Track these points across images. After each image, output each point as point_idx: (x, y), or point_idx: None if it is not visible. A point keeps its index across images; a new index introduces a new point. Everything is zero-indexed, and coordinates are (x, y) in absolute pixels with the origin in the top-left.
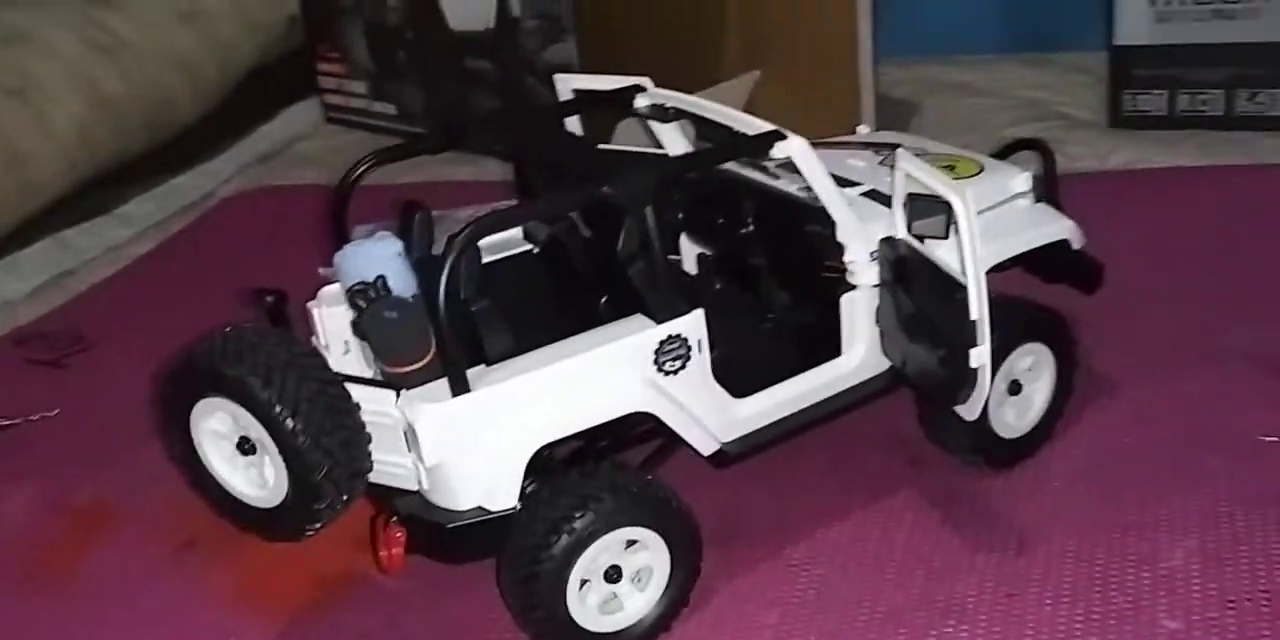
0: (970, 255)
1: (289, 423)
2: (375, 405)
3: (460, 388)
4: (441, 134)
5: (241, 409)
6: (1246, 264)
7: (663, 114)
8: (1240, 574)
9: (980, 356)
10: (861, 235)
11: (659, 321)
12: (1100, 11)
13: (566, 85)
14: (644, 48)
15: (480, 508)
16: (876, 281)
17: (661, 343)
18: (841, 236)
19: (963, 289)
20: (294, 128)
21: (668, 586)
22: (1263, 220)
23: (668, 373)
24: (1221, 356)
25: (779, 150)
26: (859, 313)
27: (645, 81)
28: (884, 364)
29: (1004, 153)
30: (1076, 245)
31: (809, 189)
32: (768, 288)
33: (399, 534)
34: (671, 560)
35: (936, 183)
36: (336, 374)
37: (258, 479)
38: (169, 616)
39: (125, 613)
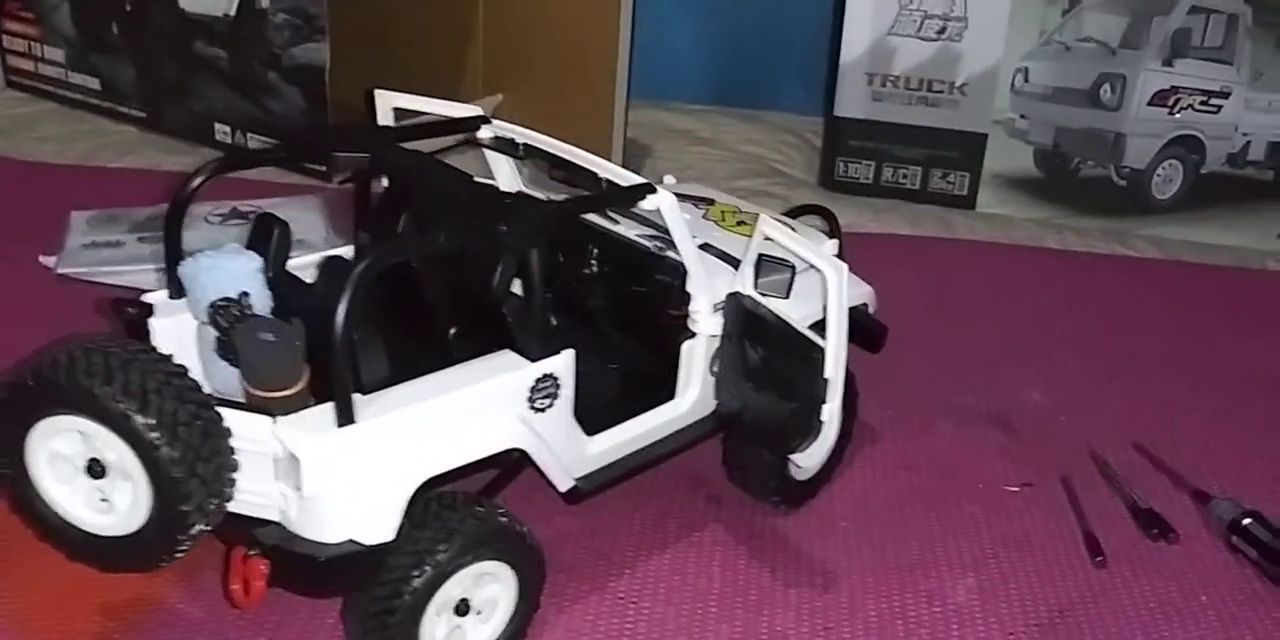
0: (835, 321)
1: (165, 450)
2: (247, 432)
3: (347, 418)
4: (297, 146)
5: (102, 430)
6: (969, 330)
7: (513, 149)
8: (1014, 608)
9: (831, 412)
10: (708, 287)
11: (533, 360)
12: (809, 79)
13: (387, 102)
14: (394, 56)
15: (351, 541)
16: (717, 332)
17: (537, 381)
18: (691, 287)
19: (818, 349)
20: None
21: (511, 619)
22: (969, 289)
23: (538, 410)
24: (958, 413)
25: (649, 202)
26: (696, 359)
27: (478, 109)
28: (709, 408)
29: (792, 214)
30: (872, 309)
31: (654, 237)
32: (605, 329)
33: (261, 567)
34: (519, 593)
35: (809, 253)
36: (209, 397)
37: (102, 505)
38: None
39: None
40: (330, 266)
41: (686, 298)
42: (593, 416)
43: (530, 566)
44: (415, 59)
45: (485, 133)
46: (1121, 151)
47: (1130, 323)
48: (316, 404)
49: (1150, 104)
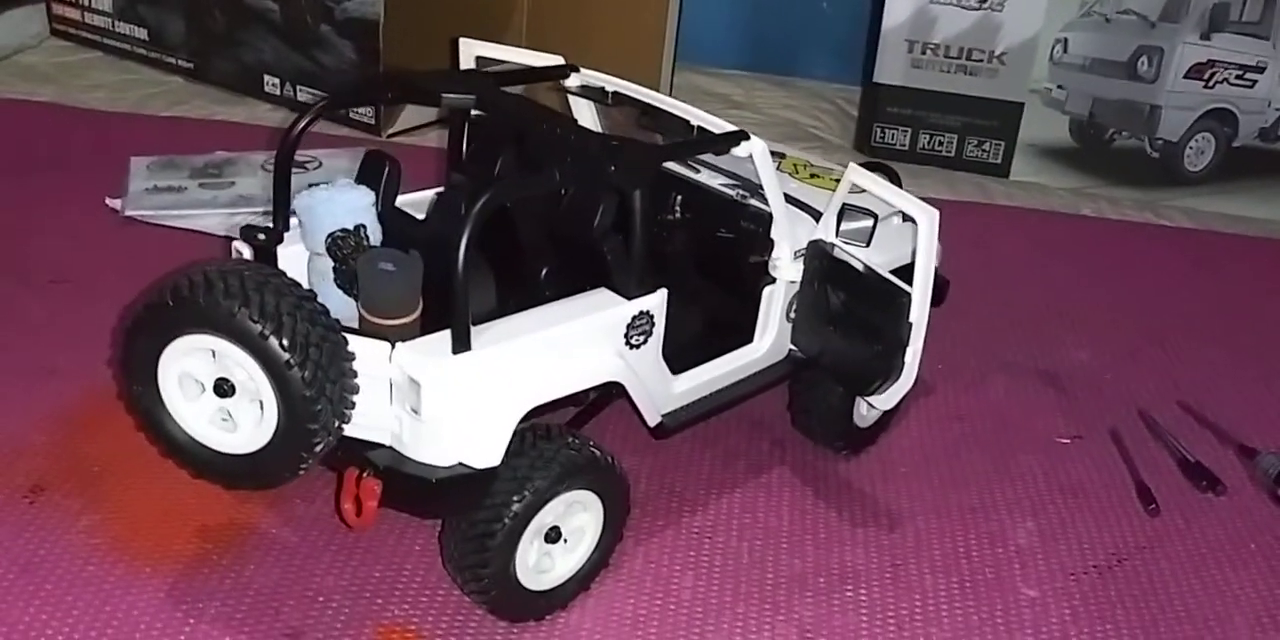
0: (924, 266)
1: (298, 371)
2: (367, 356)
3: (464, 345)
4: (400, 88)
5: (235, 349)
6: (1014, 292)
7: (602, 96)
8: (1073, 551)
9: (914, 354)
10: (791, 234)
11: (629, 297)
12: (841, 47)
13: (470, 51)
14: (441, 13)
15: (461, 464)
16: (796, 278)
17: (634, 318)
18: (775, 234)
19: (904, 294)
20: (16, 36)
21: (595, 548)
22: (1010, 253)
23: (633, 346)
24: (1008, 369)
25: (742, 149)
26: (775, 304)
27: (559, 58)
28: (783, 352)
29: None
30: (936, 263)
31: (733, 186)
32: (685, 274)
33: (374, 487)
34: (604, 523)
35: (901, 199)
36: (336, 321)
37: (226, 423)
38: (28, 571)
39: None
40: (444, 201)
41: (770, 244)
42: (676, 357)
43: (617, 497)
44: (461, 17)
45: (573, 80)
46: (1156, 123)
47: (1167, 288)
48: (425, 334)
49: (1186, 77)
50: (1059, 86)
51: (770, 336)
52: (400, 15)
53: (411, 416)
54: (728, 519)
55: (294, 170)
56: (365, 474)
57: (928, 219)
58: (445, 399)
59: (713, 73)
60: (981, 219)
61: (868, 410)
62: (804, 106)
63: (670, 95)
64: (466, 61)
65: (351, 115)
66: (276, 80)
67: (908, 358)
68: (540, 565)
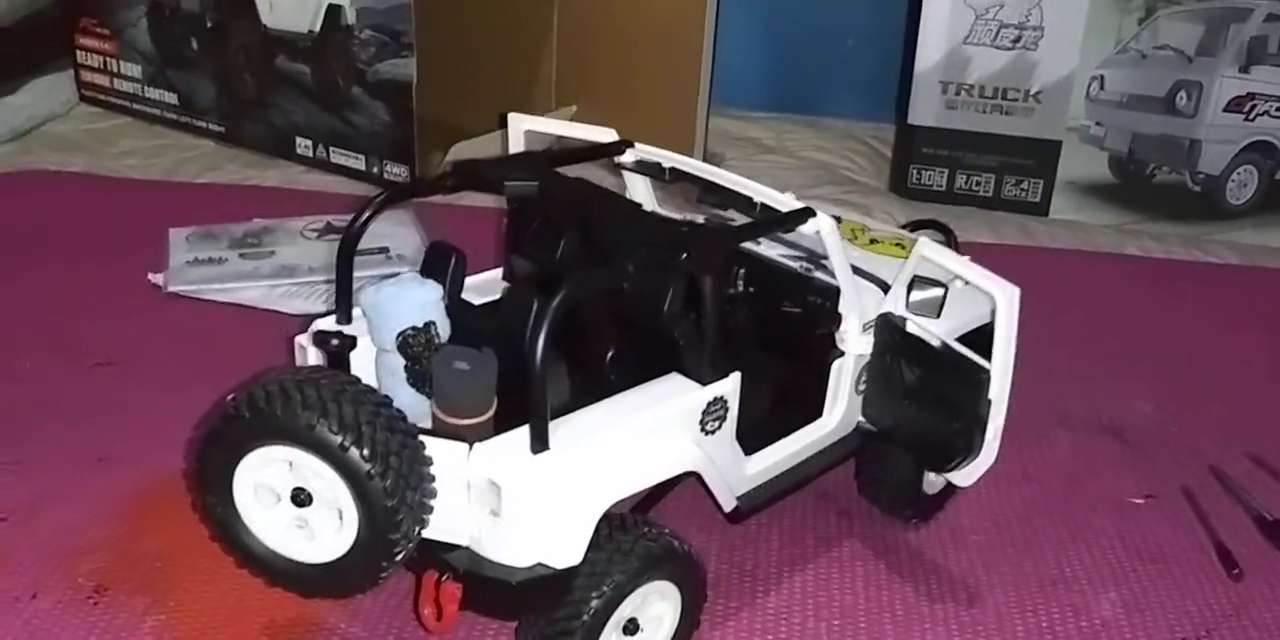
0: (1003, 344)
1: (379, 481)
2: (444, 459)
3: (542, 445)
4: (463, 176)
5: (313, 460)
6: (1067, 339)
7: (659, 173)
8: (1159, 623)
9: (996, 432)
10: (859, 308)
11: (704, 383)
12: (871, 85)
13: (519, 126)
14: (472, 70)
15: (541, 564)
16: (865, 351)
17: (709, 404)
18: (843, 307)
19: (983, 371)
20: (46, 105)
21: (673, 638)
22: (1059, 297)
23: (708, 433)
24: (1070, 423)
25: (810, 226)
26: (844, 378)
27: (612, 133)
28: (851, 426)
29: (909, 229)
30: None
31: (795, 257)
32: (750, 349)
33: (454, 590)
34: (682, 611)
35: (980, 278)
36: (414, 426)
37: (304, 532)
38: None
39: None
40: (513, 295)
41: (838, 318)
42: (747, 436)
43: (694, 585)
44: (492, 72)
45: (628, 156)
46: (1197, 157)
47: (1221, 329)
48: (498, 431)
49: (1226, 110)
50: (1097, 123)
51: (840, 410)
52: (432, 74)
53: (491, 518)
54: (802, 598)
55: (330, 236)
56: (444, 577)
57: (1006, 298)
58: (526, 501)
59: (739, 116)
60: (1026, 261)
61: (936, 477)
62: (835, 147)
63: (705, 143)
64: (516, 137)
65: (386, 175)
66: (309, 142)
67: (988, 436)
68: None
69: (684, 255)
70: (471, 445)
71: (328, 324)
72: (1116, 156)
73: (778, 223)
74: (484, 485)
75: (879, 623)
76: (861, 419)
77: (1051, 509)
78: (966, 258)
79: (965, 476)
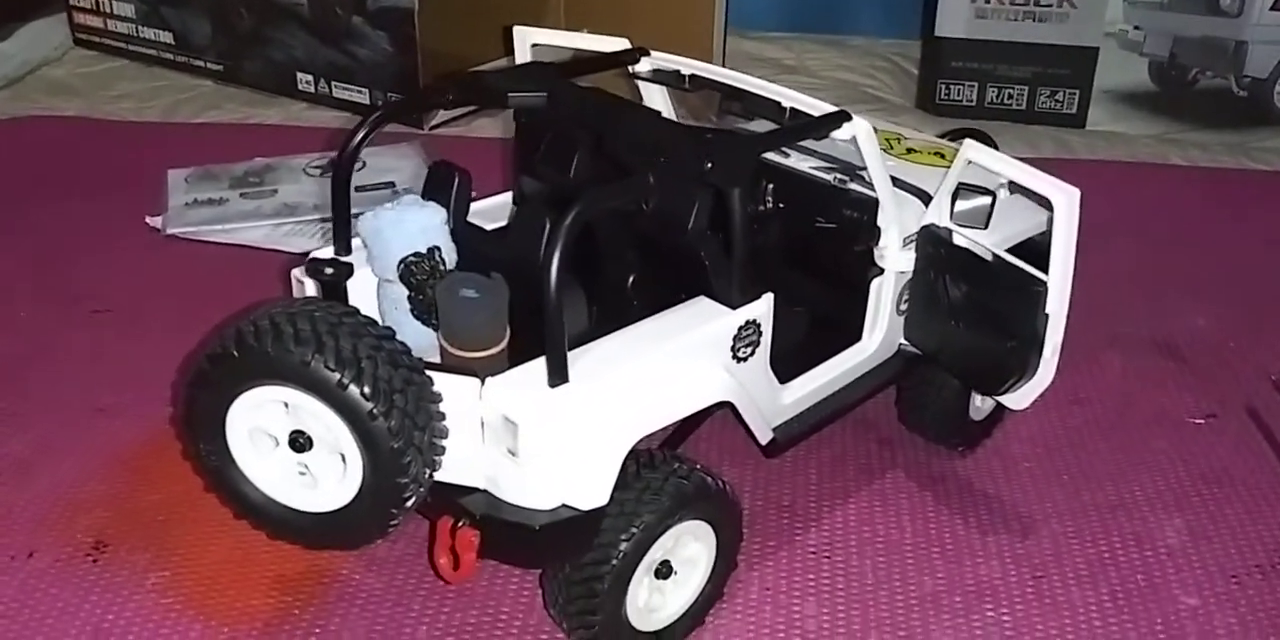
0: (1062, 253)
1: (383, 421)
2: (455, 395)
3: (561, 377)
4: (466, 88)
5: (311, 401)
6: (1116, 253)
7: (678, 81)
8: (1229, 550)
9: (1054, 350)
10: (899, 221)
11: (734, 307)
12: (893, 2)
13: (526, 39)
14: None
15: (565, 506)
16: (907, 268)
17: (740, 329)
18: (882, 221)
19: (1039, 283)
20: (39, 49)
21: (709, 579)
22: (1104, 211)
23: (740, 360)
24: (1122, 342)
25: (845, 131)
26: (884, 298)
27: (624, 42)
28: (893, 350)
29: (947, 138)
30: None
31: (827, 169)
32: (782, 269)
33: (471, 537)
34: (717, 552)
35: (1036, 180)
36: (419, 360)
37: (305, 479)
38: (98, 637)
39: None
40: (524, 215)
41: (876, 232)
42: (781, 363)
43: (730, 524)
44: None
45: (644, 65)
46: (1243, 60)
47: (1274, 240)
48: (512, 364)
49: (1273, 9)
50: (1136, 27)
51: (880, 333)
52: (435, 1)
53: (508, 458)
54: (844, 534)
55: None
56: (460, 523)
57: (1066, 201)
58: (545, 438)
59: (757, 37)
60: (1065, 175)
61: (982, 401)
62: (859, 66)
63: (724, 65)
64: (522, 51)
65: None
66: (310, 77)
67: (1045, 353)
68: (651, 603)
69: (709, 165)
70: (483, 380)
71: (325, 254)
72: (1157, 62)
73: (810, 127)
74: (499, 423)
75: (927, 558)
76: (903, 342)
77: (1106, 433)
78: (1017, 160)
79: (1020, 399)
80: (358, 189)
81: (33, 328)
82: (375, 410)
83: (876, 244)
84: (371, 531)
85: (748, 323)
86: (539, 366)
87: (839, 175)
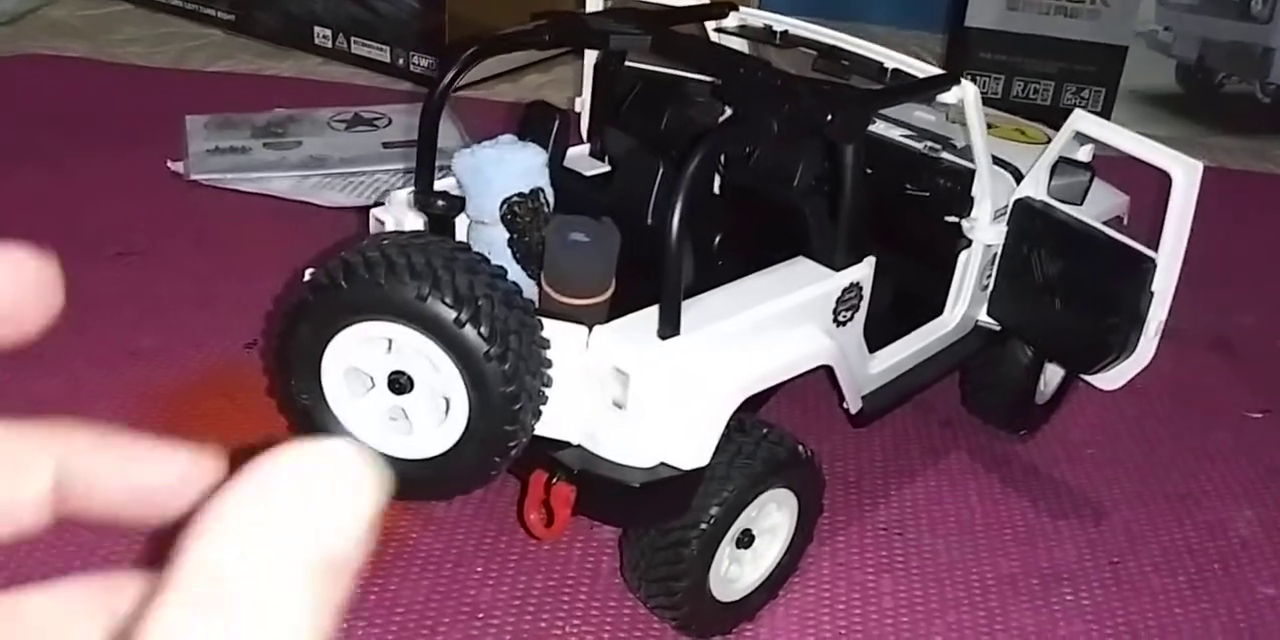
0: (1176, 229)
1: (497, 364)
2: (560, 343)
3: (673, 329)
4: (561, 27)
5: (421, 339)
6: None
7: (769, 37)
8: None
9: (1158, 328)
10: (993, 193)
11: (838, 268)
12: None
13: None
14: None
15: (665, 465)
16: (995, 241)
17: (844, 292)
18: (976, 191)
19: (1147, 261)
20: None
21: (787, 551)
22: (1139, 209)
23: (841, 323)
24: (1175, 336)
25: (953, 94)
26: (971, 271)
27: None
28: (970, 325)
29: None
30: (1125, 221)
31: (913, 137)
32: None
33: (567, 493)
34: (797, 523)
35: (1154, 152)
36: (531, 302)
37: (400, 424)
38: None
39: None
40: (634, 161)
41: (969, 203)
42: (869, 333)
43: (814, 494)
44: None
45: (732, 20)
46: (1269, 66)
47: None
48: (610, 317)
49: None
50: (1166, 28)
51: (963, 307)
52: None
53: (613, 411)
54: (914, 512)
55: (359, 128)
56: (555, 479)
57: (1186, 174)
58: (656, 391)
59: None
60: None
61: (1045, 385)
62: None
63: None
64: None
65: (412, 67)
66: (328, 31)
67: (1149, 332)
68: (730, 574)
69: (829, 117)
70: (591, 328)
71: (404, 196)
72: (1184, 64)
73: (924, 86)
74: (607, 373)
75: (1000, 540)
76: (981, 318)
77: (1165, 423)
78: (1127, 131)
79: (1114, 378)
80: (384, 145)
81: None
82: (492, 352)
83: (968, 215)
84: (471, 480)
85: (851, 285)
86: (648, 317)
87: (929, 143)
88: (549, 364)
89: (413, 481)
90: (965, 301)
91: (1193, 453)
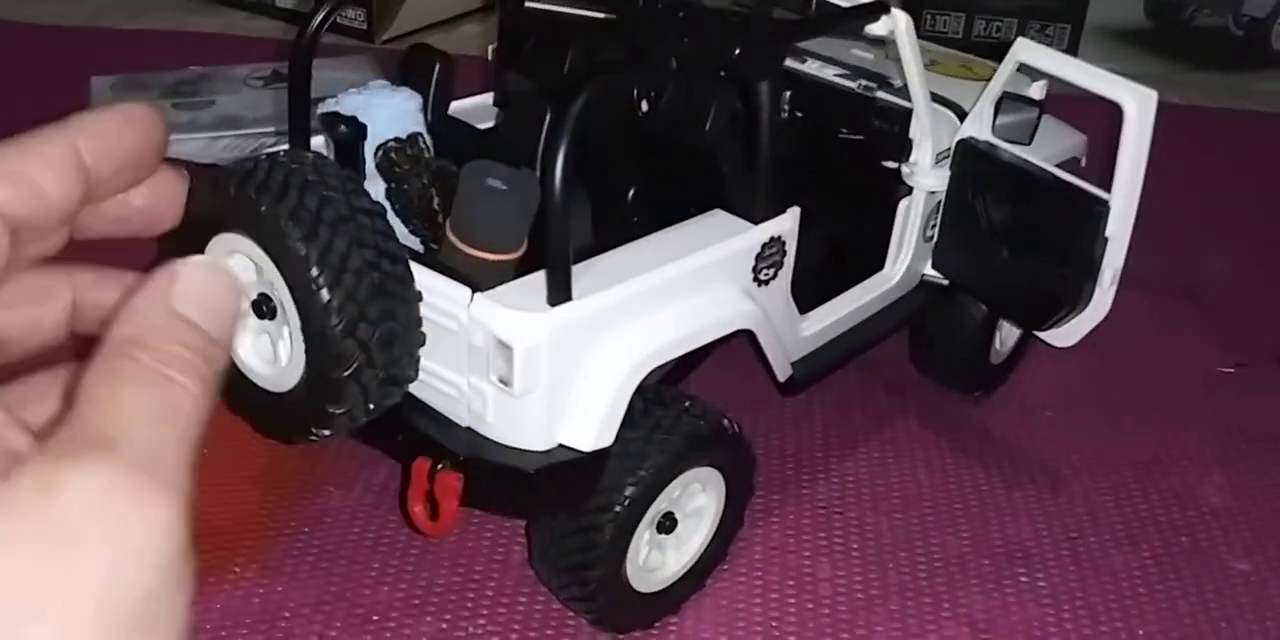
0: (1129, 167)
1: (324, 294)
2: (440, 301)
3: (563, 294)
4: None
5: (268, 259)
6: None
7: None
8: (1278, 510)
9: (1114, 277)
10: (932, 134)
11: (757, 221)
12: None
13: None
14: None
15: (564, 447)
16: (939, 187)
17: (763, 247)
18: (915, 133)
19: (1100, 203)
20: None
21: (714, 536)
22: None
23: (762, 282)
24: (1141, 284)
25: (882, 25)
26: (913, 220)
27: None
28: (915, 279)
29: None
30: (1083, 162)
31: (847, 76)
32: (798, 187)
33: (454, 482)
34: (725, 504)
35: (1103, 83)
36: (402, 247)
37: (266, 350)
38: None
39: None
40: (518, 106)
41: (908, 146)
42: (798, 291)
43: (743, 473)
44: None
45: None
46: None
47: None
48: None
49: None
50: None
51: (905, 260)
52: None
53: (498, 389)
54: (856, 487)
55: (277, 85)
56: (440, 466)
57: (1138, 104)
58: (545, 366)
59: None
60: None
61: (1001, 343)
62: None
63: None
64: None
65: (340, 19)
66: None
67: (1104, 282)
68: (650, 562)
69: (736, 52)
70: (474, 291)
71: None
72: None
73: (848, 16)
74: (490, 345)
75: (949, 515)
76: (928, 272)
77: (1130, 381)
78: (1074, 60)
79: (1067, 334)
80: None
81: None
82: (317, 280)
83: (906, 160)
84: (305, 427)
85: (772, 239)
86: (537, 281)
87: (864, 82)
88: (415, 323)
89: (268, 416)
90: (908, 254)
91: (1159, 412)
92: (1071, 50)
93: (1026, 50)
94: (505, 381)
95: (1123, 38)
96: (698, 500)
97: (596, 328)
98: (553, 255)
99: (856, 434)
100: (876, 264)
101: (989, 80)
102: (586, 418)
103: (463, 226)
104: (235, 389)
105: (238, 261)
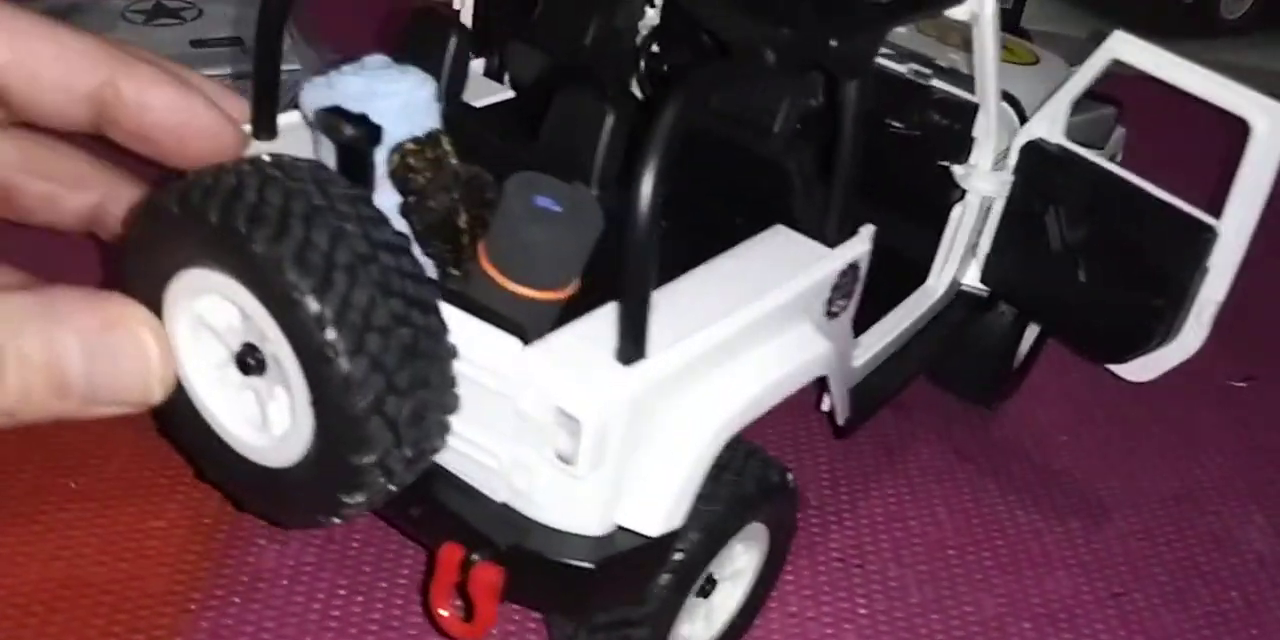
0: (1250, 189)
1: (343, 365)
2: (478, 352)
3: (637, 351)
4: None
5: (260, 307)
6: None
7: None
8: None
9: (1214, 312)
10: (995, 134)
11: (832, 244)
12: None
13: None
14: None
15: (623, 529)
16: (993, 193)
17: (840, 276)
18: (979, 131)
19: (1206, 229)
20: None
21: (746, 603)
22: None
23: (833, 315)
24: None
25: (964, 8)
26: (964, 228)
27: None
28: (954, 293)
29: None
30: (1119, 159)
31: (895, 58)
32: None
33: (494, 577)
34: (765, 561)
35: (1229, 93)
36: (433, 287)
37: (252, 412)
38: None
39: None
40: (567, 104)
41: (969, 144)
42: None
43: (789, 527)
44: None
45: None
46: None
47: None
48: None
49: None
50: None
51: (950, 272)
52: None
53: (555, 464)
54: (873, 532)
55: (163, 20)
56: (474, 556)
57: (1270, 123)
58: (617, 442)
59: None
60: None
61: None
62: None
63: None
64: None
65: None
66: None
67: (1203, 316)
68: (679, 634)
69: (832, 43)
70: (528, 339)
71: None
72: None
73: (937, 1)
74: (545, 413)
75: (978, 565)
76: (966, 282)
77: (1142, 399)
78: (1189, 64)
79: (1148, 368)
80: (194, 43)
81: None
82: (337, 347)
83: (965, 160)
84: (308, 512)
85: (849, 267)
86: (599, 328)
87: (915, 66)
88: (449, 384)
89: (256, 492)
90: (954, 265)
91: (1179, 438)
92: (1016, 13)
93: (1123, 46)
94: (566, 459)
95: (1064, 1)
96: (739, 562)
97: (672, 388)
98: (629, 301)
99: (867, 467)
100: (919, 276)
101: (1028, 64)
102: (657, 496)
103: (503, 256)
104: (210, 455)
105: (211, 305)
